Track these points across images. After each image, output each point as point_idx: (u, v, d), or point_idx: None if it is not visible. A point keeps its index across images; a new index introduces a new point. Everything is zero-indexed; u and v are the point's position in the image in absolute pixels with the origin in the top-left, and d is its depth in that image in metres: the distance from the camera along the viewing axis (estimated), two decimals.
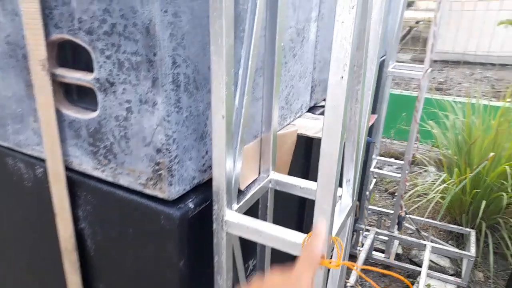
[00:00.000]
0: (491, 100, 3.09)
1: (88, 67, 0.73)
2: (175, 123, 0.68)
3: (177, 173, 0.72)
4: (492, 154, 2.22)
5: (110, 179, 0.80)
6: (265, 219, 0.99)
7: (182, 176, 0.74)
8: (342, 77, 0.54)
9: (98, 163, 0.80)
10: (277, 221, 0.99)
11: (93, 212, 0.85)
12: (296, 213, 1.34)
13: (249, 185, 0.90)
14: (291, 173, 1.10)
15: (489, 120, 2.67)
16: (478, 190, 2.43)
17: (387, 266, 2.51)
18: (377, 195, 3.45)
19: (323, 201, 0.63)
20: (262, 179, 0.93)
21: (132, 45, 0.64)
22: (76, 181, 0.85)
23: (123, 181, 0.78)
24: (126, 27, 0.63)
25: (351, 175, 0.78)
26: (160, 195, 0.74)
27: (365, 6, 0.57)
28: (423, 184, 2.88)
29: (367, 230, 2.50)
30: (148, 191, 0.75)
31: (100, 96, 0.73)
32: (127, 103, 0.69)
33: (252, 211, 0.89)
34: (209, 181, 0.79)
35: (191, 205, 0.76)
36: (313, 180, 1.40)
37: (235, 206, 0.80)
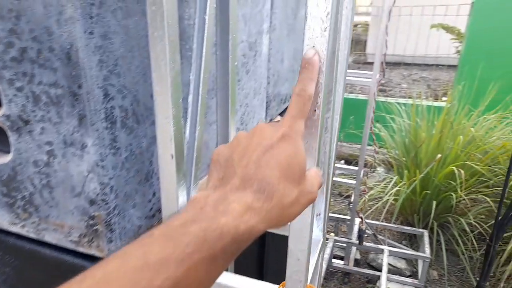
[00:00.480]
0: (432, 100, 3.24)
1: None
2: (112, 168, 0.55)
3: (118, 227, 0.59)
4: (439, 155, 2.29)
5: (32, 235, 0.65)
6: None
7: (124, 228, 0.61)
8: (315, 110, 0.45)
9: (16, 217, 0.64)
10: (236, 263, 0.89)
11: (13, 275, 0.69)
12: (257, 244, 1.24)
13: None
14: None
15: (433, 121, 2.77)
16: (427, 191, 2.50)
17: (347, 273, 2.51)
18: (332, 200, 3.47)
19: (296, 250, 0.54)
20: None
21: (49, 75, 0.51)
22: None
23: (50, 237, 0.63)
24: (40, 52, 0.50)
25: (321, 208, 0.70)
26: (98, 254, 0.60)
27: (336, 24, 0.49)
28: (374, 185, 2.93)
29: (327, 239, 2.47)
30: (82, 249, 0.61)
31: (12, 137, 0.58)
32: (48, 145, 0.55)
33: None
34: None
35: None
36: None
37: None
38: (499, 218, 1.19)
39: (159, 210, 0.69)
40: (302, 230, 0.52)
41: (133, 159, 0.59)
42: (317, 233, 0.73)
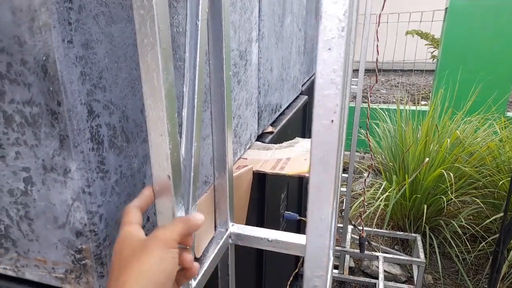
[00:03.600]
0: (411, 105, 3.26)
1: None
2: (100, 194, 0.49)
3: (109, 259, 0.52)
4: (427, 159, 2.29)
5: (11, 273, 0.57)
6: (226, 281, 0.81)
7: None
8: (333, 120, 0.40)
9: None
10: (236, 276, 0.83)
11: None
12: (254, 262, 1.18)
13: (205, 247, 0.72)
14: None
15: (418, 125, 2.79)
16: (417, 195, 2.50)
17: (342, 282, 2.46)
18: None
19: (313, 276, 0.49)
20: (220, 235, 0.76)
21: (23, 92, 0.44)
22: None
23: (31, 275, 0.56)
24: (11, 66, 0.43)
25: (333, 225, 0.64)
26: None
27: (351, 24, 0.44)
28: (361, 190, 2.91)
29: None
30: (69, 287, 0.54)
31: None
32: (24, 171, 0.48)
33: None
34: None
35: None
36: (270, 221, 1.26)
37: (193, 283, 0.62)
38: (506, 223, 1.17)
39: None
40: (320, 254, 0.46)
41: (124, 182, 0.53)
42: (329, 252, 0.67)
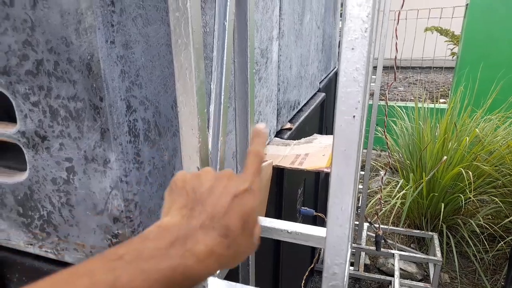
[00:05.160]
0: (430, 103, 3.23)
1: (9, 115, 0.55)
2: (136, 183, 0.53)
3: None
4: (445, 157, 2.27)
5: (51, 256, 0.62)
6: (246, 270, 0.85)
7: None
8: (354, 116, 0.43)
9: (34, 237, 0.61)
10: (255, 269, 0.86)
11: None
12: (272, 253, 1.21)
13: None
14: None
15: (435, 123, 2.76)
16: (434, 193, 2.48)
17: (357, 279, 2.47)
18: None
19: (333, 264, 0.51)
20: None
21: (68, 88, 0.48)
22: (4, 261, 0.65)
23: (70, 258, 0.60)
24: (58, 64, 0.47)
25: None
26: None
27: (373, 26, 0.47)
28: (378, 188, 2.91)
29: None
30: None
31: (28, 154, 0.55)
32: (67, 161, 0.53)
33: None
34: None
35: None
36: (287, 215, 1.29)
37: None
38: None
39: None
40: (340, 243, 0.49)
41: (156, 173, 0.57)
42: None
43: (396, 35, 1.14)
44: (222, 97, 0.61)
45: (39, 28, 0.47)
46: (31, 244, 0.62)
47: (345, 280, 0.58)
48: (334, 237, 0.50)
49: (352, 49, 0.40)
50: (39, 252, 0.62)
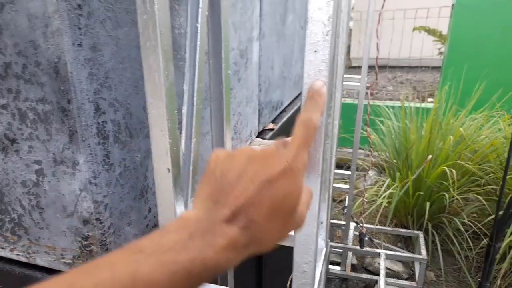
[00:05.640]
0: (419, 102, 3.27)
1: None
2: (106, 185, 0.53)
3: (113, 246, 0.56)
4: (430, 156, 2.30)
5: (23, 259, 0.61)
6: (225, 273, 0.85)
7: (120, 247, 0.58)
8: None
9: (4, 241, 0.61)
10: (235, 278, 0.86)
11: None
12: (253, 264, 1.21)
13: None
14: None
15: (422, 122, 2.80)
16: (420, 192, 2.51)
17: (344, 279, 2.49)
18: None
19: (302, 262, 0.52)
20: None
21: (36, 91, 0.48)
22: None
23: (42, 261, 0.60)
24: (26, 67, 0.47)
25: (323, 216, 0.68)
26: None
27: (336, 29, 0.48)
28: (367, 188, 2.94)
29: None
30: None
31: None
32: (37, 164, 0.52)
33: None
34: None
35: None
36: None
37: None
38: (498, 217, 1.19)
39: (156, 226, 0.66)
40: (308, 242, 0.50)
41: (127, 175, 0.57)
42: (320, 242, 0.71)
43: (377, 36, 1.16)
44: (195, 98, 0.61)
45: (6, 31, 0.47)
46: (2, 248, 0.61)
47: (316, 278, 0.58)
48: (302, 235, 0.51)
49: (315, 51, 0.41)
50: (10, 255, 0.61)
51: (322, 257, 0.69)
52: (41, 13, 0.44)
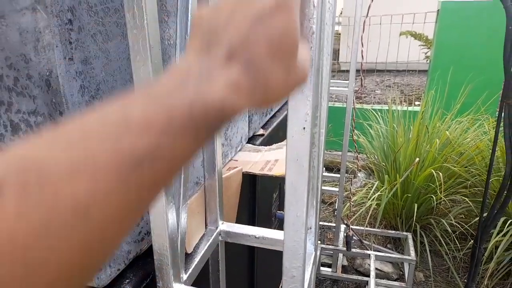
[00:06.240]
0: (406, 105, 3.33)
1: None
2: None
3: None
4: (417, 159, 2.35)
5: None
6: (217, 275, 0.86)
7: (113, 255, 0.59)
8: (304, 128, 0.45)
9: None
10: (227, 272, 0.88)
11: None
12: (246, 259, 1.23)
13: (196, 243, 0.77)
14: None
15: (409, 125, 2.85)
16: (408, 194, 2.55)
17: (335, 280, 2.51)
18: None
19: (291, 267, 0.54)
20: (210, 232, 0.81)
21: (28, 103, 0.49)
22: None
23: None
24: (18, 80, 0.48)
25: (312, 222, 0.70)
26: None
27: (320, 43, 0.50)
28: (356, 191, 2.97)
29: None
30: None
31: None
32: None
33: (202, 267, 0.77)
34: (149, 249, 0.65)
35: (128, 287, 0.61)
36: (261, 220, 1.31)
37: (184, 276, 0.67)
38: (482, 220, 1.22)
39: (148, 233, 0.68)
40: (296, 247, 0.51)
41: None
42: (309, 247, 0.72)
43: (362, 43, 1.18)
44: None
45: None
46: None
47: (305, 283, 0.60)
48: (291, 241, 0.52)
49: None
50: None
51: (312, 261, 0.71)
52: (32, 28, 0.46)
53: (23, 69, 0.47)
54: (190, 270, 0.70)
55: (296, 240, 0.52)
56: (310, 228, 0.71)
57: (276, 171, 0.96)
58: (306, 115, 0.44)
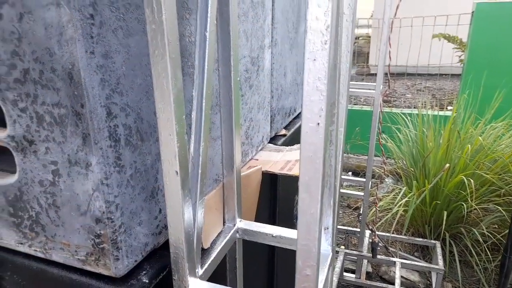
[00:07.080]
0: (438, 110, 3.22)
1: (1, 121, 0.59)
2: (117, 186, 0.55)
3: (124, 245, 0.59)
4: (447, 165, 2.26)
5: (40, 254, 0.64)
6: (234, 273, 0.87)
7: (131, 246, 0.60)
8: (319, 123, 0.45)
9: (23, 237, 0.64)
10: (246, 271, 0.87)
11: None
12: (266, 258, 1.22)
13: (213, 239, 0.77)
14: (256, 213, 0.99)
15: (439, 130, 2.75)
16: (437, 201, 2.47)
17: (359, 287, 2.46)
18: (341, 211, 3.43)
19: (304, 266, 0.53)
20: (228, 229, 0.81)
21: (52, 95, 0.51)
22: None
23: (57, 257, 0.63)
24: (43, 73, 0.50)
25: (329, 222, 0.69)
26: (105, 272, 0.60)
27: (337, 37, 0.49)
28: (383, 196, 2.90)
29: (337, 252, 2.44)
30: (89, 268, 0.61)
31: (17, 157, 0.58)
32: (53, 165, 0.55)
33: (219, 264, 0.77)
34: (167, 243, 0.66)
35: (145, 279, 0.62)
36: (282, 221, 1.31)
37: (200, 271, 0.67)
38: None
39: (166, 227, 0.69)
40: (310, 245, 0.51)
41: (138, 177, 0.59)
42: (326, 247, 0.71)
43: (390, 44, 1.16)
44: (204, 104, 0.63)
45: (25, 39, 0.50)
46: (21, 243, 0.65)
47: (320, 284, 0.59)
48: (305, 240, 0.52)
49: (314, 60, 0.42)
50: (28, 251, 0.64)
51: (328, 262, 0.70)
52: (56, 23, 0.48)
53: (48, 62, 0.49)
54: (206, 265, 0.70)
55: (309, 238, 0.51)
56: (327, 228, 0.69)
57: (296, 171, 0.95)
58: (320, 111, 0.44)
